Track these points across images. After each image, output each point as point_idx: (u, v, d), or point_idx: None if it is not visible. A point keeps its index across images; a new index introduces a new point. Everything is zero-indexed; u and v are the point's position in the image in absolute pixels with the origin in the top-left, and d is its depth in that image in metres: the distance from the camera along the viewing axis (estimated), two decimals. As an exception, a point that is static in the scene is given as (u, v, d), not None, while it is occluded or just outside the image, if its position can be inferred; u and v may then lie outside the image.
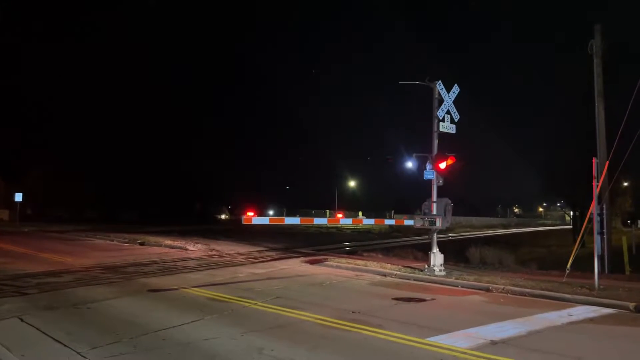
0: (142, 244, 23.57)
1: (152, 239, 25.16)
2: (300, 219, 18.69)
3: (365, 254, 21.09)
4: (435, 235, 14.90)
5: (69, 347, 6.82)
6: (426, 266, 14.64)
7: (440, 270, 14.27)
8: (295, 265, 16.77)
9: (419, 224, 15.00)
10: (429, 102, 15.04)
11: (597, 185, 12.37)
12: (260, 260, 18.18)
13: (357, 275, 14.69)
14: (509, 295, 11.57)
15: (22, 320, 8.30)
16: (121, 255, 18.80)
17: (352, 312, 9.34)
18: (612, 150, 14.27)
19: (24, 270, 13.92)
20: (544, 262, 20.32)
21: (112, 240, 25.62)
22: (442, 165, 14.54)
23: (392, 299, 10.87)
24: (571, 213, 40.24)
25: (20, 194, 35.14)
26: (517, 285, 12.14)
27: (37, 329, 7.78)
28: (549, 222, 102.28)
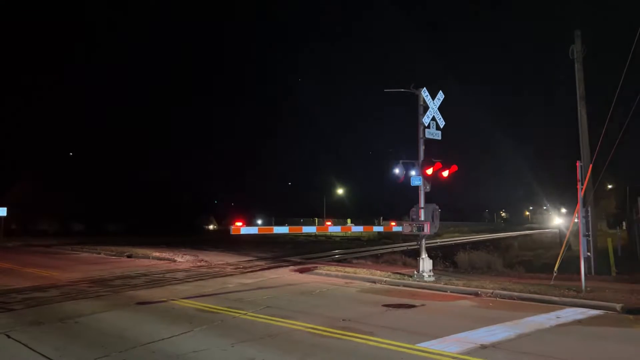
0: (129, 256, 23.35)
1: (139, 251, 24.94)
2: (289, 228, 18.59)
3: (354, 261, 21.11)
4: (423, 241, 14.97)
5: (57, 363, 6.74)
6: (415, 272, 14.69)
7: (429, 276, 14.33)
8: (285, 274, 16.72)
9: (407, 230, 15.07)
10: (415, 109, 15.17)
11: (582, 189, 12.53)
12: (250, 270, 18.10)
13: (346, 282, 14.69)
14: (497, 299, 11.65)
15: (8, 336, 8.17)
16: (108, 268, 18.61)
17: (343, 319, 9.33)
18: (596, 154, 14.48)
19: (9, 286, 13.71)
20: (531, 265, 20.49)
21: (99, 253, 25.34)
22: (429, 172, 14.65)
23: (382, 305, 10.89)
24: (557, 216, 40.66)
25: (4, 209, 34.60)
26: (505, 289, 12.22)
27: (24, 345, 7.66)
28: (536, 225, 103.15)
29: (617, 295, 11.01)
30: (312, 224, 52.31)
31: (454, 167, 14.52)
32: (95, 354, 7.06)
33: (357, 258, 23.12)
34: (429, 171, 14.65)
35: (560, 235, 30.20)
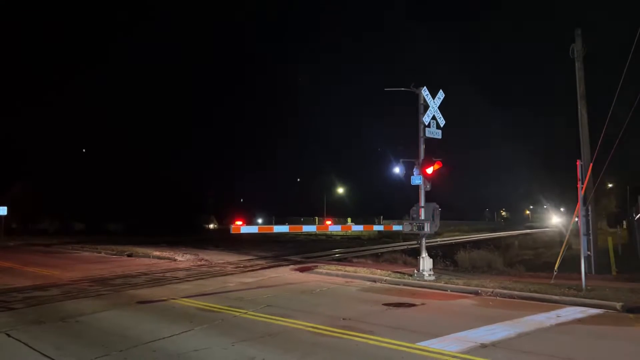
0: (130, 255, 23.36)
1: (140, 250, 24.95)
2: (289, 227, 18.63)
3: (354, 261, 21.11)
4: (424, 240, 14.97)
5: (58, 362, 6.75)
6: (415, 271, 14.69)
7: (429, 275, 14.33)
8: (285, 273, 16.73)
9: (407, 229, 15.08)
10: (415, 108, 15.17)
11: (582, 187, 12.53)
12: (250, 269, 18.12)
13: (347, 281, 14.70)
14: (498, 298, 11.66)
15: (9, 335, 8.18)
16: (109, 267, 18.62)
17: (343, 318, 9.35)
18: (596, 153, 14.47)
19: (10, 285, 13.73)
20: (531, 264, 20.49)
21: (100, 253, 25.36)
22: (429, 171, 14.66)
23: (383, 304, 10.90)
24: (555, 215, 40.72)
25: (5, 208, 34.63)
26: (505, 288, 12.23)
27: (25, 344, 7.67)
28: (536, 224, 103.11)
29: (617, 294, 11.01)
30: (313, 223, 52.29)
31: (453, 167, 14.52)
32: (96, 353, 7.07)
33: (357, 257, 23.11)
34: (430, 170, 14.65)
35: (561, 235, 30.22)
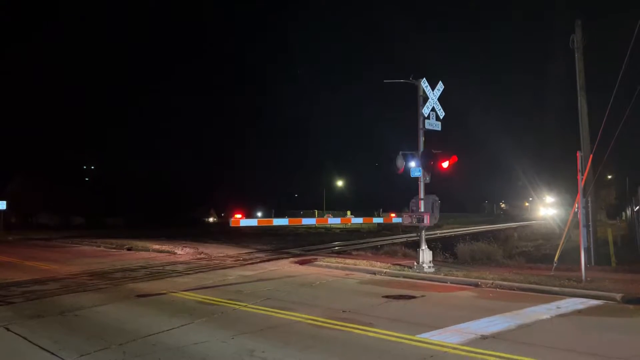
0: (129, 249, 23.35)
1: (139, 243, 24.94)
2: (289, 220, 18.62)
3: (354, 253, 21.11)
4: (423, 232, 14.95)
5: (57, 356, 6.73)
6: (415, 263, 14.68)
7: (429, 267, 14.32)
8: (285, 266, 16.72)
9: (407, 222, 15.05)
10: (415, 100, 15.09)
11: (582, 179, 12.50)
12: (250, 262, 18.10)
13: (346, 274, 14.69)
14: (498, 289, 11.65)
15: (8, 329, 8.16)
16: (108, 261, 18.61)
17: (343, 311, 9.33)
18: (596, 144, 14.42)
19: (9, 279, 13.70)
20: (531, 256, 20.50)
21: (99, 246, 25.35)
22: (429, 163, 14.59)
23: (382, 297, 10.89)
24: (543, 208, 40.83)
25: (4, 202, 34.59)
26: (505, 280, 12.22)
27: (24, 338, 7.65)
28: (530, 216, 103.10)
29: (617, 285, 11.01)
30: (312, 215, 52.28)
31: (454, 158, 14.44)
32: (95, 347, 7.05)
33: (357, 250, 23.11)
34: (429, 162, 14.59)
35: (559, 227, 30.24)
